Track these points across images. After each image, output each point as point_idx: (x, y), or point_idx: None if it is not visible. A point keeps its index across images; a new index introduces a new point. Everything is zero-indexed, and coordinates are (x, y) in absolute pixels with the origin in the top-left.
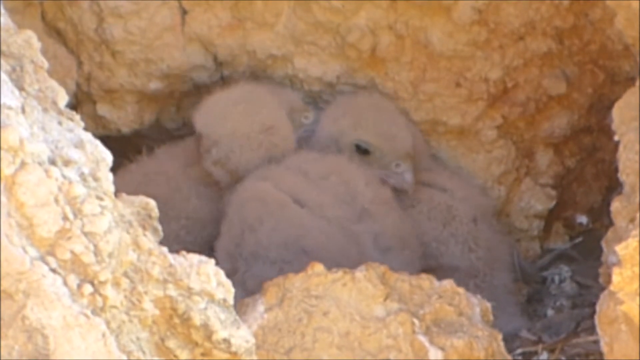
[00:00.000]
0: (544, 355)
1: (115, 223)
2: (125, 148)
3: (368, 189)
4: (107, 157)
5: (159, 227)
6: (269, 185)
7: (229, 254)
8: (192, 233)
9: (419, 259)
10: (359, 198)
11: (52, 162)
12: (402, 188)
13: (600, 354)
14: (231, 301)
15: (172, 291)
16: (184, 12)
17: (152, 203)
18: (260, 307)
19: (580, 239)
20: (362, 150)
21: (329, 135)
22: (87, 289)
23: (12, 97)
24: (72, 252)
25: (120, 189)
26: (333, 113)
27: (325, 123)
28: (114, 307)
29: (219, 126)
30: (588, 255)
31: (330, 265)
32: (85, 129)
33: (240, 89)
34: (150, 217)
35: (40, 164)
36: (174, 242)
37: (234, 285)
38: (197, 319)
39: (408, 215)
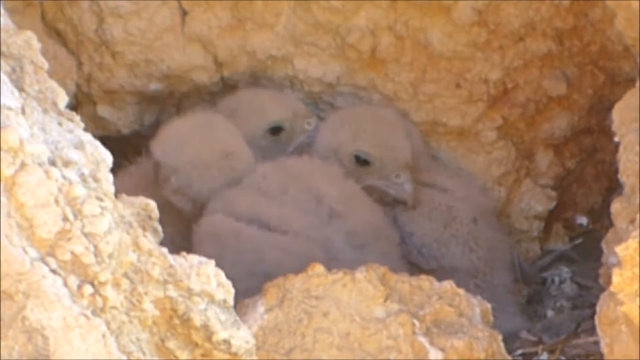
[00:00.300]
0: (544, 356)
1: (115, 224)
2: (125, 149)
3: (332, 188)
4: (107, 158)
5: (159, 228)
6: (221, 216)
7: None
8: (188, 238)
9: (396, 247)
10: (325, 199)
11: (52, 163)
12: (402, 198)
13: (601, 354)
14: (231, 302)
15: (172, 292)
16: (184, 13)
17: (152, 204)
18: (261, 308)
19: (580, 240)
20: (361, 161)
21: (328, 146)
22: (87, 289)
23: (12, 98)
24: (72, 252)
25: (119, 190)
26: (332, 124)
27: (325, 134)
28: (114, 307)
29: (177, 154)
30: (588, 256)
31: None
32: (85, 129)
33: (197, 117)
34: (150, 218)
35: (40, 164)
36: (170, 245)
37: None
38: (197, 320)
39: (409, 216)
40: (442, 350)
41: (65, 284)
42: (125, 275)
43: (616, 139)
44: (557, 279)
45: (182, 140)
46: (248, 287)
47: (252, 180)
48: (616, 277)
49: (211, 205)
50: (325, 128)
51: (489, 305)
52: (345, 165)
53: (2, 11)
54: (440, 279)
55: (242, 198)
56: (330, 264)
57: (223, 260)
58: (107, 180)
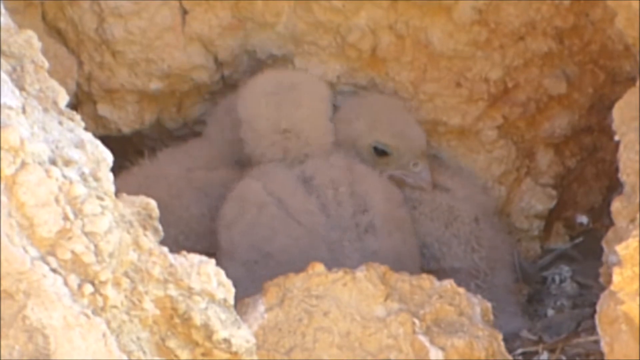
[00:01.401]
0: (545, 355)
1: (116, 223)
2: (125, 148)
3: (383, 205)
4: (108, 157)
5: (160, 227)
6: (259, 185)
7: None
8: (191, 239)
9: None
10: (371, 211)
11: (53, 162)
12: (421, 187)
13: (601, 354)
14: (232, 301)
15: (172, 291)
16: (185, 12)
17: (153, 203)
18: (261, 307)
19: (580, 239)
20: (379, 152)
21: (344, 138)
22: (88, 288)
23: (12, 97)
24: (72, 252)
25: (121, 191)
26: (346, 116)
27: (339, 126)
28: (115, 307)
29: (243, 110)
30: (588, 255)
31: (295, 268)
32: (86, 129)
33: (287, 76)
34: (150, 217)
35: (40, 164)
36: (173, 246)
37: None
38: (197, 319)
39: (411, 213)
40: (443, 349)
41: (66, 283)
42: (126, 274)
43: (616, 137)
44: (557, 278)
45: (252, 98)
46: (247, 259)
47: (312, 164)
48: (616, 276)
49: (254, 170)
50: (338, 120)
51: (489, 304)
52: (364, 157)
53: (3, 10)
54: (440, 279)
55: (276, 176)
56: (333, 267)
57: (238, 223)
58: (108, 179)
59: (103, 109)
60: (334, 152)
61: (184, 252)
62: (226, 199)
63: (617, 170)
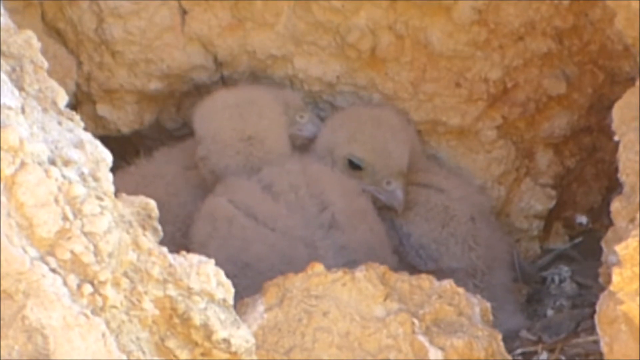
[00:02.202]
0: (544, 355)
1: (115, 223)
2: (125, 148)
3: (341, 199)
4: (107, 157)
5: (159, 227)
6: (223, 200)
7: None
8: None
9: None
10: (330, 207)
11: (52, 162)
12: (392, 205)
13: (600, 354)
14: (231, 301)
15: (172, 291)
16: (184, 12)
17: (152, 203)
18: (260, 307)
19: (580, 239)
20: (354, 165)
21: (325, 146)
22: (87, 289)
23: (12, 97)
24: (72, 252)
25: (118, 190)
26: (332, 124)
27: (324, 133)
28: (114, 307)
29: (205, 125)
30: (588, 255)
31: (275, 274)
32: (85, 129)
33: (240, 92)
34: (150, 217)
35: (40, 164)
36: (170, 244)
37: None
38: (197, 319)
39: (406, 217)
40: (442, 349)
41: (65, 283)
42: (125, 274)
43: (616, 138)
44: (557, 278)
45: (213, 112)
46: (225, 274)
47: (270, 172)
48: (616, 276)
49: (218, 188)
50: (325, 127)
51: (488, 304)
52: (339, 167)
53: (2, 11)
54: (439, 279)
55: (241, 188)
56: None
57: (211, 241)
58: (107, 179)
59: (102, 109)
60: (288, 158)
61: (184, 252)
62: (195, 220)
63: (616, 170)
